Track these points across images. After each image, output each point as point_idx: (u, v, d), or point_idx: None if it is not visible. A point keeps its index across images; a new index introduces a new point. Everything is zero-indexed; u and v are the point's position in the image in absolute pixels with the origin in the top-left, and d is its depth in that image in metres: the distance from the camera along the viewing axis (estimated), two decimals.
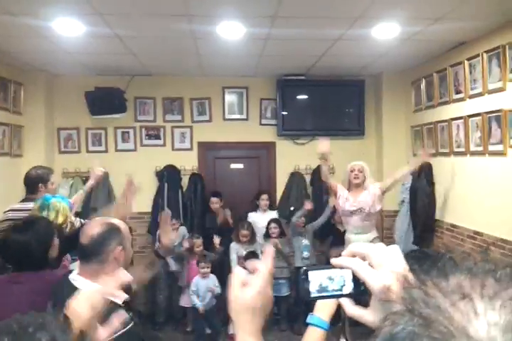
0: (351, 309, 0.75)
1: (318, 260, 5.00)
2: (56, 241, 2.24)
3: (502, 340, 0.36)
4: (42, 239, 2.16)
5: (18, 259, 2.06)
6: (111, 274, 1.68)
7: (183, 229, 5.10)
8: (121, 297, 1.67)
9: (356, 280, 0.75)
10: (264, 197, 5.27)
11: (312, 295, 0.78)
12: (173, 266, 4.79)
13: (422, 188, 4.87)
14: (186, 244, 4.79)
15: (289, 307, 4.95)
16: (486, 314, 0.38)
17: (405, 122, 5.64)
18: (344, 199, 4.35)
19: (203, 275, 4.55)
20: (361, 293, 0.75)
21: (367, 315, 0.72)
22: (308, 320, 1.28)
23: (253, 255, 4.62)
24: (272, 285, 0.90)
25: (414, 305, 0.41)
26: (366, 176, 4.38)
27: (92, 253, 1.68)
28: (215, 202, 5.21)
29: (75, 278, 1.69)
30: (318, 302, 1.27)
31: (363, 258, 0.73)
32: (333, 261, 0.76)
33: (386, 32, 3.96)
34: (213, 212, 5.24)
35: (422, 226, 4.82)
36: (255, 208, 5.31)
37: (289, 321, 4.86)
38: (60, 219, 2.67)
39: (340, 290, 0.77)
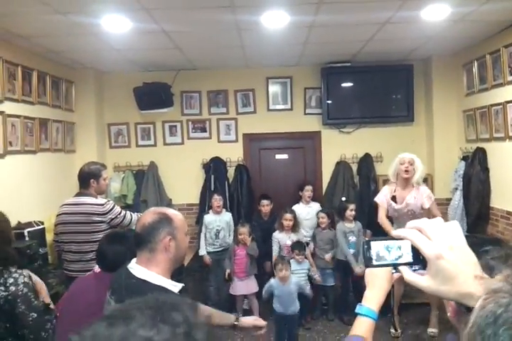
0: (410, 275, 0.82)
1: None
2: None
3: None
4: (133, 249, 2.38)
5: (113, 267, 2.26)
6: (162, 263, 1.72)
7: (228, 215, 5.16)
8: (178, 286, 1.70)
9: (415, 250, 0.81)
10: (309, 188, 5.20)
11: (374, 263, 0.86)
12: (227, 265, 4.84)
13: (476, 175, 4.70)
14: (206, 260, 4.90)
15: (336, 297, 4.92)
16: None
17: (457, 107, 5.44)
18: (390, 202, 4.22)
19: (283, 280, 4.04)
20: (419, 262, 0.82)
21: (423, 281, 0.79)
22: (357, 310, 1.28)
23: (300, 245, 4.61)
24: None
25: None
26: (416, 170, 4.20)
27: (143, 241, 1.74)
28: (266, 205, 5.12)
29: (133, 266, 1.74)
30: (367, 292, 1.28)
31: (420, 231, 0.80)
32: (394, 232, 0.84)
33: (436, 13, 3.81)
34: (262, 214, 5.19)
35: (476, 214, 4.66)
36: (298, 200, 5.26)
37: (337, 311, 4.83)
38: None
39: (398, 259, 0.84)
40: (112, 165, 5.65)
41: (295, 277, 4.13)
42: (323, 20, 3.91)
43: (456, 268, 0.74)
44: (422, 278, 0.80)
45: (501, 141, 4.48)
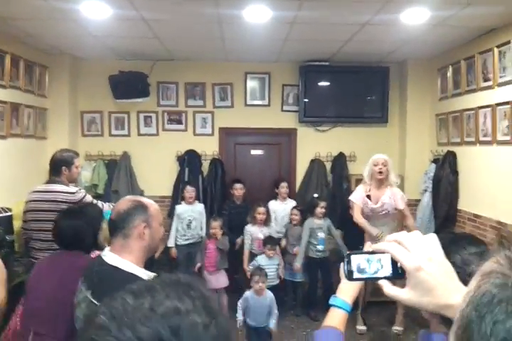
0: (390, 289, 0.82)
1: (332, 253, 4.98)
2: (104, 225, 2.42)
3: None
4: (92, 223, 2.38)
5: (70, 242, 2.27)
6: (136, 251, 1.72)
7: (200, 206, 5.15)
8: (150, 275, 1.69)
9: (394, 264, 0.83)
10: (284, 185, 5.26)
11: (354, 277, 0.87)
12: (198, 259, 4.83)
13: (446, 177, 4.83)
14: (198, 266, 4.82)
15: (304, 294, 4.98)
16: None
17: (430, 110, 5.56)
18: (366, 201, 4.29)
19: (259, 292, 3.87)
20: (398, 276, 0.83)
21: (403, 294, 0.80)
22: (331, 301, 1.29)
23: (273, 240, 4.64)
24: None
25: None
26: (390, 170, 4.28)
27: (117, 228, 1.74)
28: (239, 188, 5.21)
29: (106, 253, 1.73)
30: (342, 284, 1.29)
31: (400, 244, 0.81)
32: (374, 246, 0.85)
33: (415, 17, 3.89)
34: (234, 197, 5.26)
35: (444, 216, 4.79)
36: (275, 196, 5.30)
37: (305, 307, 4.89)
38: None
39: (378, 272, 0.85)
40: (83, 153, 5.53)
41: (269, 292, 3.97)
42: (304, 17, 3.93)
43: (435, 280, 0.75)
44: (402, 291, 0.81)
45: (472, 145, 4.61)
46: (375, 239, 3.97)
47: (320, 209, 4.83)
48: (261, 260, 4.60)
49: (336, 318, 1.27)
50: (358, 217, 4.32)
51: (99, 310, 0.62)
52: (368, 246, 1.26)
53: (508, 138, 3.98)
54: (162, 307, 0.60)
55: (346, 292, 1.28)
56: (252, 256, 4.77)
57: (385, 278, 0.84)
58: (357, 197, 4.36)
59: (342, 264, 1.24)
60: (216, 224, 4.72)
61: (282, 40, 4.76)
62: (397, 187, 4.38)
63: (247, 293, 3.90)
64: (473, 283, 0.45)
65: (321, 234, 4.81)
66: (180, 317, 0.59)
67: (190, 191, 5.06)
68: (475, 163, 4.56)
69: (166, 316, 0.59)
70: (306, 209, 5.06)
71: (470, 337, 0.42)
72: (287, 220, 5.10)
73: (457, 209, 4.80)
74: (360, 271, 0.86)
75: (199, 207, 5.12)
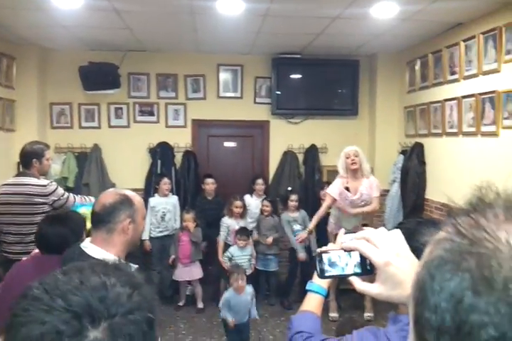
0: (360, 285, 0.87)
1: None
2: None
3: None
4: (76, 229, 2.40)
5: (54, 248, 2.26)
6: (118, 245, 1.72)
7: (174, 198, 5.14)
8: (132, 267, 1.70)
9: (363, 261, 0.87)
10: (260, 181, 5.26)
11: (326, 274, 0.91)
12: (172, 251, 4.85)
13: (414, 168, 4.97)
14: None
15: (278, 283, 5.06)
16: None
17: (399, 103, 5.69)
18: (345, 194, 4.36)
19: (239, 290, 3.82)
20: (367, 272, 0.87)
21: (374, 289, 0.84)
22: (308, 286, 1.34)
23: (245, 231, 4.70)
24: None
25: (460, 229, 0.47)
26: (362, 160, 4.39)
27: (101, 221, 1.72)
28: (210, 183, 5.19)
29: (87, 245, 1.72)
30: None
31: (368, 241, 0.85)
32: (343, 244, 0.89)
33: (385, 11, 3.96)
34: (205, 192, 5.26)
35: (412, 205, 4.93)
36: (251, 192, 5.29)
37: (279, 296, 4.98)
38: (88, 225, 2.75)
39: (348, 269, 0.89)
40: (52, 146, 5.36)
41: (249, 287, 3.96)
42: (277, 10, 3.95)
43: (403, 273, 0.79)
44: (372, 285, 0.84)
45: (438, 136, 4.75)
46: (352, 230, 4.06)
47: (291, 203, 4.90)
48: (233, 250, 4.66)
49: (312, 303, 1.32)
50: (320, 210, 4.50)
51: (32, 286, 0.68)
52: (342, 232, 1.32)
53: (473, 129, 4.13)
54: (90, 282, 0.68)
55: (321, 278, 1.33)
56: (228, 247, 4.82)
57: (355, 274, 0.88)
58: (334, 190, 4.41)
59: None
60: (189, 216, 4.73)
61: (255, 33, 4.77)
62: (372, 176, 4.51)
63: (227, 294, 3.84)
64: (427, 250, 0.51)
65: (297, 227, 4.89)
66: (107, 289, 0.67)
67: (167, 183, 5.05)
68: (442, 153, 4.71)
69: (94, 289, 0.67)
70: (280, 202, 5.14)
71: (424, 296, 0.47)
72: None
73: (425, 198, 4.96)
74: (332, 268, 0.90)
75: (173, 200, 5.12)
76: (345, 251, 0.89)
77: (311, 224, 4.56)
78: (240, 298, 3.81)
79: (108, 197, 1.76)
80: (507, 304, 0.41)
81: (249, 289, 3.91)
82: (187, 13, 4.08)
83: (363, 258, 0.87)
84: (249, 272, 4.65)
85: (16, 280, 2.23)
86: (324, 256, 0.91)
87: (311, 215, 5.15)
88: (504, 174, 3.67)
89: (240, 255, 4.65)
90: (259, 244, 4.98)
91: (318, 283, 1.33)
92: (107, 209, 1.72)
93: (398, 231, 0.87)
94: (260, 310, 4.68)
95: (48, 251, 2.30)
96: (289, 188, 5.32)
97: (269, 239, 4.90)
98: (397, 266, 0.81)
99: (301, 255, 4.77)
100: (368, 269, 0.87)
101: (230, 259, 4.64)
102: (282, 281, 5.10)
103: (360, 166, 4.36)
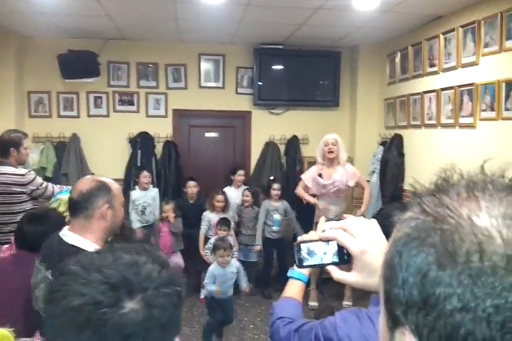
0: (338, 273, 0.89)
1: (286, 234, 5.11)
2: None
3: (502, 225, 0.45)
4: (55, 227, 2.33)
5: (34, 247, 2.19)
6: (97, 231, 1.72)
7: (154, 191, 5.10)
8: None
9: (341, 250, 0.89)
10: (241, 172, 5.23)
11: (304, 264, 0.93)
12: (153, 242, 4.82)
13: (393, 159, 5.04)
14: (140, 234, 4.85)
15: (258, 273, 5.09)
16: (488, 209, 0.46)
17: (379, 95, 5.74)
18: (317, 179, 4.43)
19: (223, 264, 3.86)
20: (345, 262, 0.90)
21: (351, 277, 0.87)
22: (289, 273, 1.35)
23: (226, 221, 4.70)
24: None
25: (425, 207, 0.50)
26: (340, 149, 4.45)
27: (79, 208, 1.71)
28: (192, 186, 5.07)
29: (65, 233, 1.71)
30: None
31: (345, 230, 0.88)
32: (321, 234, 0.92)
33: (366, 3, 3.98)
34: (187, 195, 5.16)
35: (391, 195, 5.01)
36: (230, 183, 5.26)
37: (259, 286, 5.01)
38: (62, 209, 2.72)
39: (326, 258, 0.91)
40: (30, 135, 5.27)
41: (234, 261, 4.04)
42: None
43: (379, 262, 0.82)
44: (349, 274, 0.87)
45: (417, 128, 4.82)
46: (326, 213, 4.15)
47: (274, 191, 4.92)
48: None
49: (293, 289, 1.33)
50: (298, 190, 4.60)
51: (68, 263, 0.73)
52: (323, 220, 1.34)
53: (451, 121, 4.20)
54: (123, 260, 0.72)
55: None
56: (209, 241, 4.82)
57: (333, 263, 0.90)
58: (307, 176, 4.57)
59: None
60: (168, 207, 4.72)
61: (237, 22, 4.75)
62: (349, 164, 4.58)
63: (212, 266, 3.90)
64: (394, 230, 0.53)
65: (276, 216, 4.91)
66: (139, 266, 0.72)
67: (147, 176, 4.99)
68: (420, 145, 4.78)
69: (128, 264, 0.71)
70: (262, 192, 5.15)
71: (393, 273, 0.49)
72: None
73: (403, 189, 5.04)
74: (309, 258, 0.92)
75: (153, 193, 5.07)
76: (323, 241, 0.91)
77: (313, 199, 4.55)
78: (224, 270, 3.85)
79: (85, 183, 1.75)
80: (469, 275, 0.43)
81: (235, 263, 4.01)
82: (169, 1, 4.03)
83: (341, 248, 0.88)
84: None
85: None
86: (303, 246, 0.92)
87: (291, 205, 5.20)
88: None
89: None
90: (240, 235, 4.99)
91: (299, 270, 1.34)
92: (85, 195, 1.71)
93: (374, 221, 0.90)
94: (241, 300, 4.73)
95: (28, 249, 2.29)
96: (271, 178, 5.33)
97: (257, 248, 4.92)
98: (373, 254, 0.84)
99: (257, 246, 4.88)
100: (345, 259, 0.89)
101: (211, 250, 4.64)
102: (262, 271, 5.13)
103: (337, 155, 4.42)
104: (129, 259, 0.73)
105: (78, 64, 5.18)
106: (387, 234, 0.58)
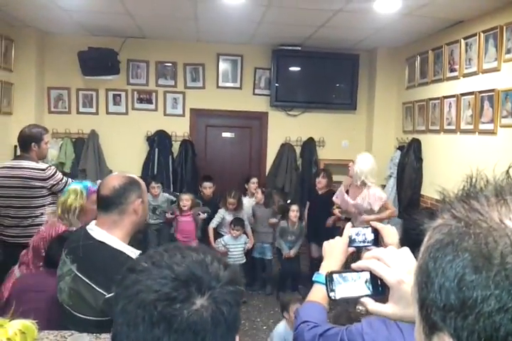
0: (373, 305, 0.86)
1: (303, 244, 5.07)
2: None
3: None
4: None
5: None
6: (127, 226, 1.73)
7: (165, 196, 5.12)
8: (135, 252, 1.71)
9: (375, 281, 0.87)
10: (254, 180, 5.19)
11: (337, 295, 0.90)
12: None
13: (410, 164, 5.00)
14: (169, 215, 4.87)
15: (274, 273, 5.09)
16: None
17: (397, 98, 5.71)
18: (343, 194, 4.30)
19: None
20: (379, 293, 0.87)
21: (388, 309, 0.84)
22: (314, 278, 1.34)
23: (239, 221, 4.73)
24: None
25: (455, 213, 0.51)
26: (360, 171, 4.04)
27: (113, 204, 1.71)
28: (208, 187, 5.06)
29: (92, 227, 1.73)
30: (324, 262, 1.34)
31: (379, 260, 0.86)
32: (353, 265, 0.90)
33: (388, 6, 3.96)
34: (203, 196, 5.16)
35: (408, 201, 4.97)
36: (244, 192, 5.20)
37: (275, 287, 5.00)
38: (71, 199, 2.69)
39: (361, 290, 0.89)
40: (50, 131, 5.35)
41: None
42: (280, 0, 3.95)
43: None
44: (385, 306, 0.84)
45: (436, 133, 4.78)
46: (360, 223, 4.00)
47: (292, 213, 4.84)
48: (227, 239, 4.70)
49: (319, 294, 1.32)
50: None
51: (138, 261, 0.75)
52: (349, 226, 1.34)
53: (471, 127, 4.16)
54: (191, 257, 0.75)
55: (328, 269, 1.32)
56: (220, 236, 4.85)
57: (367, 295, 0.87)
58: (336, 196, 4.44)
59: (326, 243, 1.31)
60: (187, 196, 4.75)
61: (257, 23, 4.76)
62: (375, 186, 4.18)
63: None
64: (426, 238, 0.54)
65: (291, 238, 4.90)
66: (206, 264, 0.75)
67: (155, 187, 4.95)
68: (439, 150, 4.74)
69: (196, 262, 0.74)
70: (277, 193, 5.16)
71: (428, 279, 0.50)
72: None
73: (420, 194, 5.00)
74: (342, 288, 0.90)
75: (163, 198, 5.07)
76: (356, 271, 0.89)
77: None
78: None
79: (115, 179, 1.76)
80: (505, 276, 0.44)
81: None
82: (189, 0, 4.06)
83: (374, 278, 0.86)
84: (243, 260, 4.70)
85: (20, 295, 2.20)
86: (334, 276, 0.91)
87: (305, 207, 5.19)
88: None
89: (233, 244, 4.70)
90: (255, 233, 5.00)
91: (324, 275, 1.33)
92: (118, 191, 1.72)
93: (407, 249, 0.88)
94: (255, 300, 4.74)
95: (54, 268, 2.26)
96: (289, 201, 5.30)
97: (272, 220, 4.95)
98: (409, 283, 0.80)
99: (287, 252, 4.87)
100: (379, 290, 0.86)
101: (224, 246, 4.70)
102: (277, 273, 5.13)
103: (355, 174, 4.09)
104: (196, 257, 0.75)
105: (98, 61, 5.23)
106: (417, 242, 0.59)
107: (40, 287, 2.14)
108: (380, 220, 4.15)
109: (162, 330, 0.68)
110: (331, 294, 0.91)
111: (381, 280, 0.85)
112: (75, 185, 2.81)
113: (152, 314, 0.68)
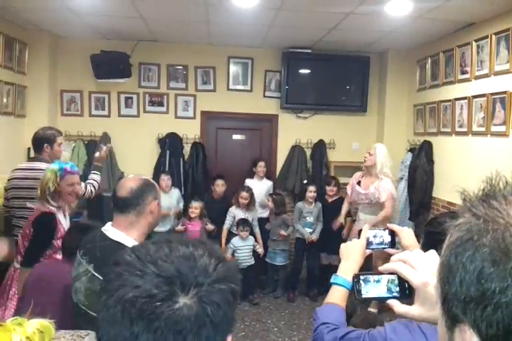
0: (400, 307, 0.89)
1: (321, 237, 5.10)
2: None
3: None
4: None
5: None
6: (143, 227, 1.76)
7: (176, 192, 5.16)
8: None
9: (402, 284, 0.89)
10: (262, 164, 5.39)
11: (363, 296, 0.94)
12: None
13: (422, 166, 4.99)
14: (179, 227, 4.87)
15: (286, 277, 5.10)
16: None
17: (408, 101, 5.69)
18: (355, 187, 4.50)
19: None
20: (406, 296, 0.90)
21: (414, 310, 0.86)
22: (333, 280, 1.34)
23: (246, 223, 4.76)
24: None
25: (475, 211, 0.53)
26: (377, 160, 4.39)
27: (130, 205, 1.75)
28: (220, 184, 5.17)
29: (108, 228, 1.75)
30: (342, 263, 1.34)
31: (405, 263, 0.88)
32: (380, 267, 0.91)
33: (399, 8, 3.96)
34: (214, 193, 5.25)
35: (419, 203, 4.95)
36: (252, 175, 5.44)
37: (285, 289, 5.02)
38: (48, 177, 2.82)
39: (388, 293, 0.91)
40: (62, 133, 5.45)
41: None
42: (291, 3, 3.96)
43: None
44: (412, 307, 0.86)
45: (447, 135, 4.77)
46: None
47: (309, 194, 4.99)
48: (235, 241, 4.74)
49: (337, 295, 1.32)
50: (343, 206, 4.72)
51: (125, 253, 0.72)
52: (366, 228, 1.35)
53: (482, 129, 4.14)
54: (179, 251, 0.71)
55: (346, 271, 1.31)
56: (232, 236, 4.88)
57: (394, 298, 0.90)
58: (349, 185, 4.67)
59: (344, 244, 1.33)
60: (198, 204, 4.78)
61: (267, 26, 4.78)
62: (387, 178, 4.44)
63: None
64: (448, 236, 0.56)
65: (310, 219, 4.96)
66: (195, 259, 0.70)
67: (165, 179, 4.98)
68: (450, 152, 4.72)
69: (183, 257, 0.70)
70: (288, 196, 5.22)
71: (450, 274, 0.52)
72: (262, 198, 5.25)
73: (432, 196, 4.98)
74: (369, 290, 0.92)
75: (175, 194, 5.11)
76: (382, 273, 0.90)
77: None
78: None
79: (132, 181, 1.80)
80: None
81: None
82: (201, 4, 4.09)
83: (401, 281, 0.88)
84: (251, 262, 4.72)
85: (51, 280, 2.25)
86: (361, 278, 0.93)
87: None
88: None
89: (241, 245, 4.74)
90: (269, 240, 5.04)
91: (342, 276, 1.34)
92: (135, 192, 1.75)
93: (433, 252, 0.89)
94: (265, 302, 4.75)
95: (69, 258, 2.30)
96: (305, 181, 5.45)
97: (283, 232, 4.96)
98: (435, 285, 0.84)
99: (309, 236, 4.93)
100: (406, 293, 0.88)
101: (234, 251, 4.72)
102: (291, 274, 5.15)
103: (374, 165, 4.40)
104: (184, 251, 0.71)
105: (110, 64, 5.28)
106: (439, 241, 0.60)
107: (52, 277, 2.22)
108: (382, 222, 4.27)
109: (141, 328, 0.65)
110: (358, 294, 0.94)
111: (408, 283, 0.87)
112: (53, 166, 2.90)
113: (131, 311, 0.65)
